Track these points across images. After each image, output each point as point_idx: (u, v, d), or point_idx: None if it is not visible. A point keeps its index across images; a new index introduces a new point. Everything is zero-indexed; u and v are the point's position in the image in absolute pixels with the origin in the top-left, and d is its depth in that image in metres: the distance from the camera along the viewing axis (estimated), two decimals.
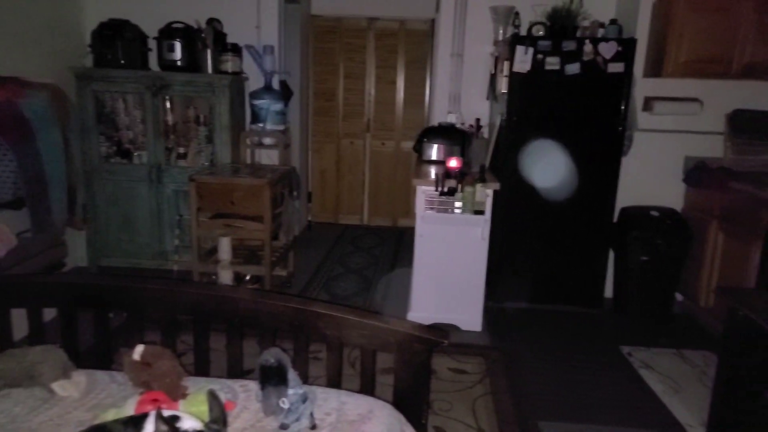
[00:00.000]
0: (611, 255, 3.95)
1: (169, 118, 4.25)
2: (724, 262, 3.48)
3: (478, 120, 4.29)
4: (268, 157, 4.54)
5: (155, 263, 4.30)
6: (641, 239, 3.72)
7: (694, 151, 3.92)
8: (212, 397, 1.24)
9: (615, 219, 3.90)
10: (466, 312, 3.56)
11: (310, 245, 5.28)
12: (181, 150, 4.27)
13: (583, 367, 3.17)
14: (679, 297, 3.94)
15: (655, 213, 3.81)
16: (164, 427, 1.11)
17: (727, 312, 1.67)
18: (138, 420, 1.19)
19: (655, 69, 3.73)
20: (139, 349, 1.56)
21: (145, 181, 4.19)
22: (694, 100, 3.82)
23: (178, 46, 4.03)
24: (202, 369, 1.90)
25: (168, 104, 4.21)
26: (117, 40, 3.97)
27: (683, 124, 3.90)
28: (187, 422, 1.17)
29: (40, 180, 3.26)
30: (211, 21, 4.20)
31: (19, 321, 1.92)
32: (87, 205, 4.12)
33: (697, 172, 3.78)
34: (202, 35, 4.07)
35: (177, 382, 1.51)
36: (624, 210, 3.92)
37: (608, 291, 4.00)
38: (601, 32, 3.72)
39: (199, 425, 1.18)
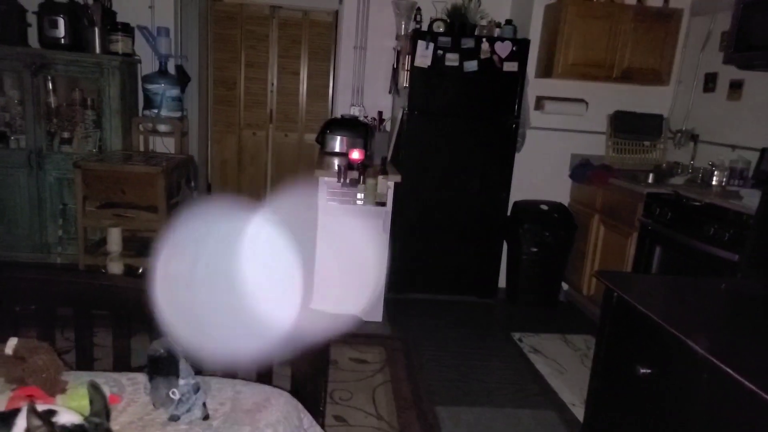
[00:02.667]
0: (505, 247, 4.17)
1: (52, 100, 3.92)
2: (604, 253, 3.78)
3: (380, 113, 4.35)
4: (164, 145, 4.33)
5: (36, 256, 3.96)
6: (531, 231, 3.95)
7: (579, 148, 4.21)
8: (93, 389, 1.16)
9: (509, 212, 4.11)
10: (367, 303, 3.59)
11: None
12: (66, 135, 3.96)
13: (477, 353, 3.31)
14: (564, 286, 4.22)
15: (544, 207, 4.06)
16: (37, 422, 1.02)
17: (603, 294, 1.80)
18: (8, 416, 1.09)
19: (546, 70, 3.97)
20: (12, 342, 1.43)
21: (25, 168, 3.85)
22: (581, 100, 4.10)
23: (61, 22, 3.73)
24: (85, 364, 1.77)
25: (50, 85, 3.89)
26: None
27: (571, 123, 4.18)
28: (64, 416, 1.09)
29: None
30: None
31: None
32: None
33: (581, 169, 4.07)
34: (89, 12, 3.79)
35: (55, 376, 1.40)
36: (516, 204, 4.13)
37: (502, 281, 4.21)
38: (497, 32, 3.89)
39: (78, 419, 1.10)
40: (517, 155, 4.00)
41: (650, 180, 3.71)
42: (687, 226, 2.95)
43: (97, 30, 3.81)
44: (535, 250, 3.95)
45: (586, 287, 3.91)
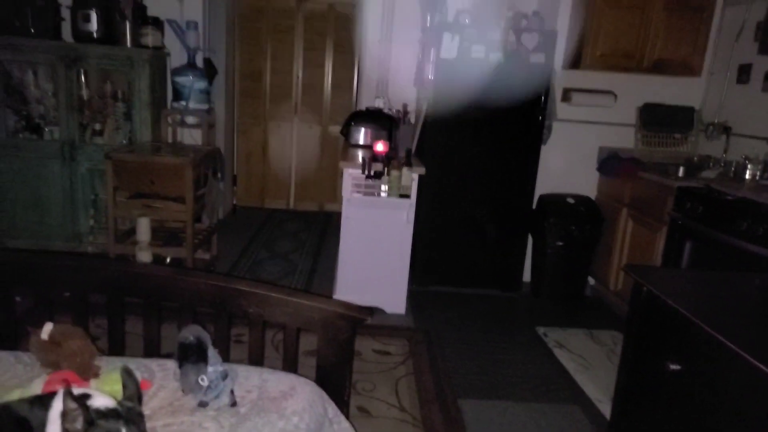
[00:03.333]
0: (530, 241, 4.13)
1: (84, 93, 4.01)
2: (633, 247, 3.72)
3: (405, 105, 4.34)
4: (191, 137, 4.39)
5: (68, 245, 4.07)
6: (557, 225, 3.90)
7: (607, 141, 4.15)
8: (126, 374, 1.20)
9: (534, 206, 4.07)
10: (391, 295, 3.61)
11: (234, 229, 5.16)
12: (97, 126, 4.05)
13: (501, 347, 3.30)
14: (591, 281, 4.18)
15: (570, 200, 4.01)
16: (73, 405, 1.05)
17: (632, 289, 1.78)
18: (45, 399, 1.13)
19: (574, 61, 3.91)
20: (48, 327, 1.48)
21: (58, 159, 3.94)
22: (609, 92, 4.03)
23: (93, 16, 3.81)
24: (116, 350, 1.82)
25: (83, 78, 3.97)
26: (26, 6, 3.69)
27: (598, 116, 4.11)
28: (98, 400, 1.12)
29: None
30: None
31: None
32: None
33: (609, 162, 4.00)
34: (120, 6, 3.85)
35: (89, 361, 1.44)
36: (542, 197, 4.09)
37: (527, 275, 4.18)
38: (524, 23, 3.85)
39: (112, 403, 1.13)
40: (543, 147, 3.95)
41: (681, 173, 3.63)
42: (719, 220, 2.89)
43: (128, 24, 3.88)
44: (560, 243, 3.91)
45: (613, 282, 3.86)
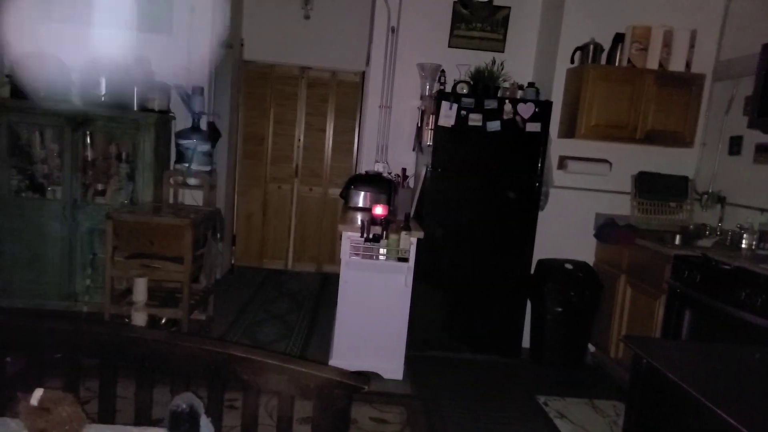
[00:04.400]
0: (528, 306, 4.11)
1: (89, 154, 4.08)
2: (632, 315, 3.69)
3: (404, 170, 4.42)
4: (193, 198, 4.44)
5: (63, 305, 4.03)
6: (556, 291, 3.89)
7: (604, 208, 4.20)
8: None
9: (532, 270, 4.07)
10: (388, 360, 3.55)
11: (232, 289, 5.13)
12: (100, 187, 4.10)
13: (501, 416, 3.21)
14: (591, 348, 4.12)
15: (569, 266, 4.02)
16: None
17: (632, 360, 1.76)
18: None
19: (569, 130, 4.01)
20: (38, 393, 1.45)
21: (59, 218, 3.97)
22: (604, 161, 4.12)
23: (103, 81, 3.93)
24: (107, 417, 1.77)
25: (88, 139, 4.06)
26: (39, 72, 3.82)
27: (594, 183, 4.19)
28: None
29: None
30: (141, 59, 4.13)
31: None
32: None
33: (606, 229, 4.04)
34: (130, 72, 3.99)
35: (78, 429, 1.40)
36: (540, 262, 4.10)
37: (526, 341, 4.13)
38: (519, 93, 3.98)
39: None
40: (540, 213, 4.00)
41: (677, 242, 3.66)
42: (717, 289, 2.89)
43: (136, 89, 4.00)
44: (559, 309, 3.88)
45: (614, 350, 3.81)
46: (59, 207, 3.97)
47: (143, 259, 3.56)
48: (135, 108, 4.03)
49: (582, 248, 4.21)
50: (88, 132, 4.01)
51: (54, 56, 3.92)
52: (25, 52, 3.87)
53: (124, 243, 3.54)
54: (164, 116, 4.19)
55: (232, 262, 5.80)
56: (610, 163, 4.12)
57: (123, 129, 3.98)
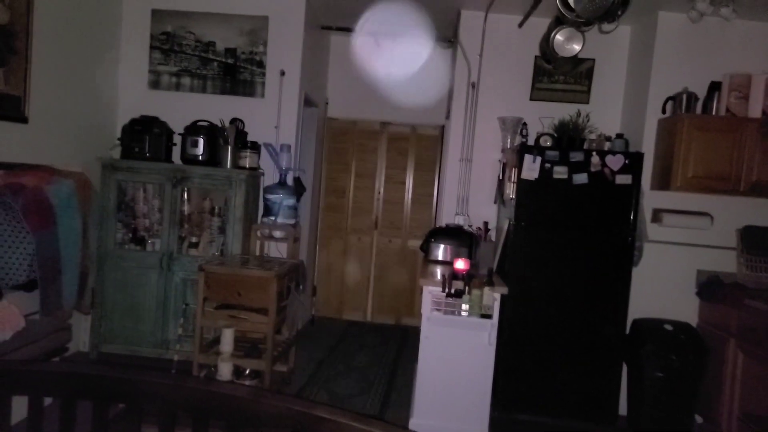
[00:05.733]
0: (624, 369, 3.83)
1: (185, 208, 4.34)
2: (746, 385, 3.33)
3: (486, 223, 4.34)
4: (278, 250, 4.57)
5: (156, 352, 4.21)
6: (655, 354, 3.62)
7: (706, 264, 3.91)
8: None
9: (627, 331, 3.81)
10: (472, 421, 3.40)
11: (312, 340, 5.17)
12: (194, 239, 4.32)
13: None
14: (698, 419, 3.75)
15: (668, 327, 3.73)
16: None
17: None
18: None
19: (662, 182, 3.81)
20: None
21: (156, 269, 4.21)
22: (705, 214, 3.86)
23: (201, 141, 4.20)
24: None
25: (185, 195, 4.32)
26: (145, 134, 4.16)
27: (694, 238, 3.92)
28: None
29: (54, 264, 3.27)
30: (234, 120, 4.41)
31: (17, 404, 1.86)
32: (95, 290, 4.11)
33: (710, 287, 3.74)
34: (225, 133, 4.25)
35: None
36: (636, 322, 3.84)
37: (622, 407, 3.83)
38: (607, 145, 3.85)
39: None
40: (634, 270, 3.77)
41: None
42: None
43: (229, 148, 4.24)
44: (660, 375, 3.59)
45: (726, 423, 3.44)
46: (157, 258, 4.21)
47: (231, 310, 3.67)
48: (228, 166, 4.27)
49: (683, 308, 3.92)
50: (185, 188, 4.27)
51: (159, 120, 4.26)
52: (135, 117, 4.24)
53: (213, 294, 3.68)
54: (254, 173, 4.40)
55: (313, 313, 5.88)
56: (711, 217, 3.85)
57: (216, 185, 4.21)
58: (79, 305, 3.74)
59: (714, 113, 3.74)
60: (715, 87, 3.75)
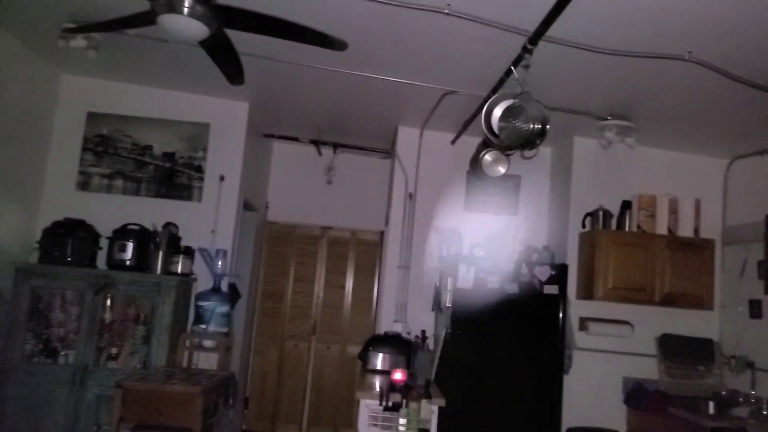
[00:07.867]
0: None
1: (107, 316, 4.08)
2: None
3: (423, 331, 4.35)
4: (207, 361, 4.35)
5: None
6: None
7: (631, 371, 4.05)
8: None
9: None
10: None
11: None
12: (114, 351, 4.04)
13: None
14: None
15: None
16: None
17: None
18: None
19: (587, 292, 4.01)
20: None
21: (67, 384, 3.85)
22: (626, 322, 4.05)
23: (129, 246, 4.06)
24: None
25: (108, 302, 4.09)
26: (68, 238, 3.98)
27: (618, 345, 4.08)
28: None
29: None
30: (168, 225, 4.31)
31: None
32: None
33: (635, 394, 3.85)
34: (157, 238, 4.14)
35: None
36: (570, 430, 3.85)
37: None
38: (535, 256, 4.04)
39: None
40: (566, 377, 3.84)
41: (711, 410, 3.50)
42: None
43: (161, 253, 4.12)
44: None
45: None
46: (69, 373, 3.88)
47: (150, 431, 3.40)
48: (159, 271, 4.12)
49: (614, 415, 4.01)
50: (109, 295, 4.06)
51: (85, 223, 4.11)
52: (59, 220, 4.07)
53: (131, 413, 3.40)
54: (186, 278, 4.26)
55: (243, 427, 5.52)
56: (632, 325, 4.04)
57: (144, 292, 4.03)
58: None
59: (627, 229, 4.04)
60: (626, 205, 4.09)
